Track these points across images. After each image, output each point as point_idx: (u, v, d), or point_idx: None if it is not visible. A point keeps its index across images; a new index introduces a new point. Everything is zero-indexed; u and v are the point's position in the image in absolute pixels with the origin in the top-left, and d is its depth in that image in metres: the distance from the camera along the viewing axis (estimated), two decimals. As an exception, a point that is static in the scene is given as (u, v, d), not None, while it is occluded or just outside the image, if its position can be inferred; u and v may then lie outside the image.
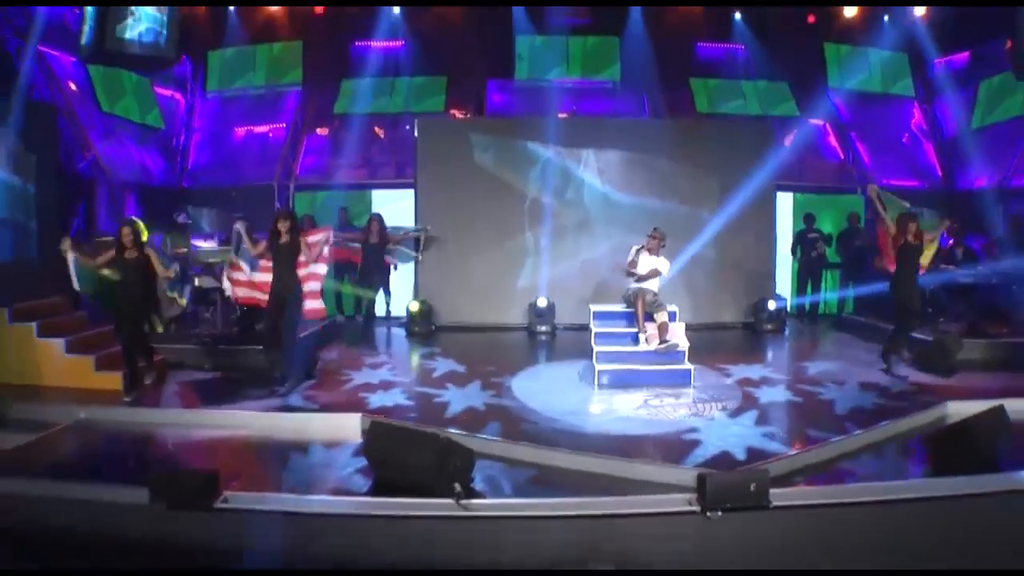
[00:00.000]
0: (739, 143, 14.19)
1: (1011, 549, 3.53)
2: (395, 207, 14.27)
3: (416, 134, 14.08)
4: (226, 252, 11.33)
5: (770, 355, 11.81)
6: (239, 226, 9.60)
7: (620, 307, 10.08)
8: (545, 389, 9.27)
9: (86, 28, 10.43)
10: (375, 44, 16.10)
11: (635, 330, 9.61)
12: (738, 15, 16.09)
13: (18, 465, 7.03)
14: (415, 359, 11.29)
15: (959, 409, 7.71)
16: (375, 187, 15.16)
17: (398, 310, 13.49)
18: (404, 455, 5.96)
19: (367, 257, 12.72)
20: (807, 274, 14.48)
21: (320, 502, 6.02)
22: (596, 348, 9.45)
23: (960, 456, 6.35)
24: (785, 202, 14.93)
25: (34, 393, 8.91)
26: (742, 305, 13.81)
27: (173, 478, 6.12)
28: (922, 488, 6.12)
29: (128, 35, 10.24)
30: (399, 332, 13.08)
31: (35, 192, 10.94)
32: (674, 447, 7.09)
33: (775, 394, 9.06)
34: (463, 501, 5.71)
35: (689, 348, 9.46)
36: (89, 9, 10.24)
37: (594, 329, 9.77)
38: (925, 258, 9.97)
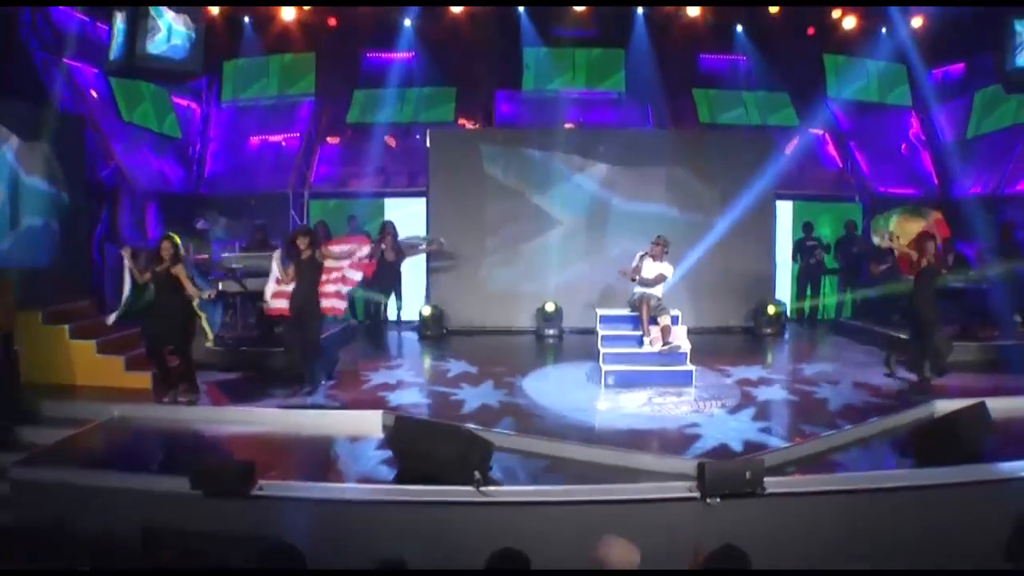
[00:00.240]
0: (740, 152, 14.57)
1: (987, 534, 3.95)
2: (406, 211, 14.70)
3: (428, 144, 14.48)
4: (248, 258, 11.78)
5: (769, 357, 12.23)
6: (276, 255, 9.88)
7: (625, 311, 10.46)
8: (554, 388, 9.72)
9: (115, 43, 10.68)
10: (386, 55, 16.42)
11: (640, 333, 10.00)
12: (739, 27, 16.32)
13: (60, 458, 7.46)
14: (429, 361, 11.74)
15: (946, 407, 8.05)
16: (388, 195, 15.47)
17: (409, 314, 13.83)
18: (428, 446, 6.44)
19: (380, 268, 12.73)
20: (806, 280, 14.86)
21: (349, 490, 6.50)
22: (603, 350, 9.89)
23: (943, 448, 6.81)
24: (785, 210, 15.29)
25: (67, 392, 9.25)
26: (743, 309, 14.12)
27: (212, 468, 6.58)
28: (906, 478, 6.62)
29: (156, 50, 10.51)
30: (411, 335, 13.46)
31: (69, 201, 11.47)
32: (676, 440, 7.59)
33: (772, 393, 9.52)
34: (483, 488, 6.20)
35: (691, 350, 9.89)
36: (119, 25, 10.59)
37: (601, 332, 10.21)
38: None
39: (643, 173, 14.30)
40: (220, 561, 5.43)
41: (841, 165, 16.72)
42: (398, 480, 6.64)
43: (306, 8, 15.43)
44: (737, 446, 7.28)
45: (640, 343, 9.99)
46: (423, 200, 14.64)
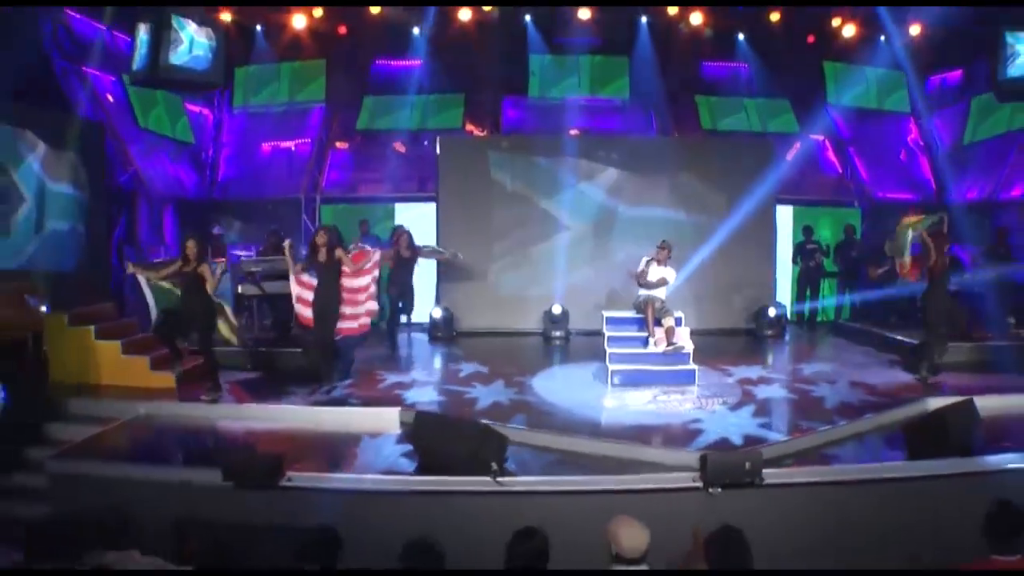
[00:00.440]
0: (742, 158, 14.95)
1: (973, 523, 4.29)
2: (416, 215, 15.04)
3: (438, 151, 14.85)
4: (264, 262, 12.13)
5: (769, 357, 12.57)
6: (285, 244, 10.29)
7: (631, 313, 10.82)
8: (563, 387, 10.12)
9: (139, 54, 10.99)
10: (395, 63, 16.69)
11: (645, 334, 10.37)
12: (741, 35, 16.47)
13: (92, 452, 7.79)
14: (441, 361, 12.11)
15: (938, 405, 8.28)
16: (398, 200, 15.76)
17: (419, 316, 13.99)
18: (447, 439, 6.84)
19: (397, 268, 12.79)
20: (806, 282, 15.13)
21: (373, 480, 6.87)
22: (609, 350, 10.27)
23: (933, 443, 7.19)
24: (785, 214, 15.60)
25: (93, 391, 9.57)
26: (744, 311, 14.46)
27: (243, 461, 6.92)
28: (896, 470, 7.00)
29: (179, 61, 10.85)
30: (422, 337, 13.81)
31: (91, 206, 11.85)
32: (680, 435, 7.99)
33: (772, 391, 9.90)
34: (499, 479, 6.59)
35: (694, 351, 10.26)
36: (142, 36, 10.92)
37: (607, 333, 10.58)
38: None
39: (647, 179, 14.66)
40: (249, 550, 5.73)
41: (841, 170, 16.96)
42: (419, 472, 7.01)
43: (317, 16, 15.61)
44: (737, 440, 7.68)
45: (645, 344, 10.35)
46: (432, 205, 14.98)
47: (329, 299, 9.60)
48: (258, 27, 16.12)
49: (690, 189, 14.74)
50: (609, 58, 16.84)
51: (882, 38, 16.06)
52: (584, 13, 15.60)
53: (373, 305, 10.24)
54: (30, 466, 8.00)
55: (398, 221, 14.87)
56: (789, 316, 15.20)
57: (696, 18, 15.69)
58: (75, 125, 11.71)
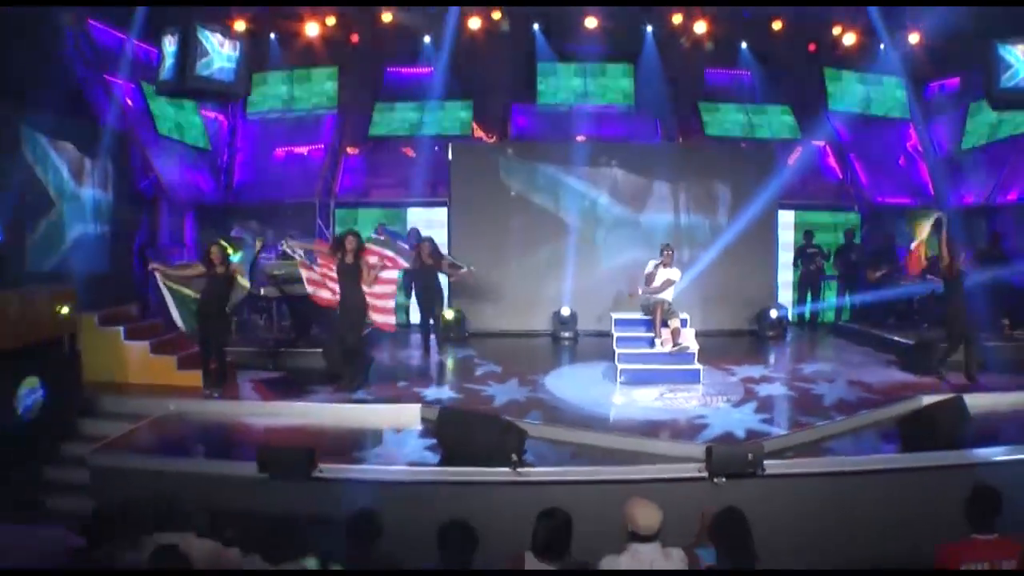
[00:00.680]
0: (744, 164, 15.40)
1: (957, 508, 4.71)
2: (428, 219, 15.45)
3: (449, 157, 15.26)
4: (285, 265, 12.48)
5: (771, 357, 12.95)
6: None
7: (638, 315, 11.26)
8: (574, 385, 10.54)
9: (166, 65, 11.37)
10: (406, 70, 17.07)
11: (652, 335, 10.82)
12: (744, 44, 16.78)
13: (129, 447, 8.19)
14: (456, 360, 12.49)
15: (931, 402, 8.68)
16: (410, 205, 16.11)
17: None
18: (470, 433, 7.30)
19: (420, 277, 12.71)
20: (807, 285, 15.45)
21: (401, 471, 7.33)
22: (618, 350, 10.72)
23: (924, 437, 7.65)
24: (787, 219, 15.97)
25: (124, 389, 9.96)
26: (747, 313, 14.82)
27: (277, 453, 7.32)
28: (888, 462, 7.51)
29: (205, 72, 11.24)
30: (434, 337, 14.15)
31: (116, 211, 12.28)
32: (686, 429, 8.48)
33: (773, 389, 10.35)
34: (519, 469, 7.06)
35: (699, 351, 10.70)
36: (169, 48, 11.33)
37: (616, 334, 11.03)
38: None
39: (652, 184, 15.08)
40: (283, 539, 6.08)
41: (841, 176, 17.24)
42: (443, 463, 7.47)
43: (329, 24, 15.85)
44: (741, 434, 8.16)
45: (652, 344, 10.80)
46: (444, 209, 15.40)
47: (354, 302, 9.91)
48: (272, 35, 16.37)
49: (694, 194, 15.15)
50: (615, 66, 17.11)
51: (881, 46, 16.25)
52: (591, 22, 15.90)
53: (390, 318, 10.51)
54: (67, 460, 8.45)
55: (410, 225, 15.25)
56: (790, 318, 15.53)
57: (700, 27, 15.94)
58: (102, 133, 12.17)
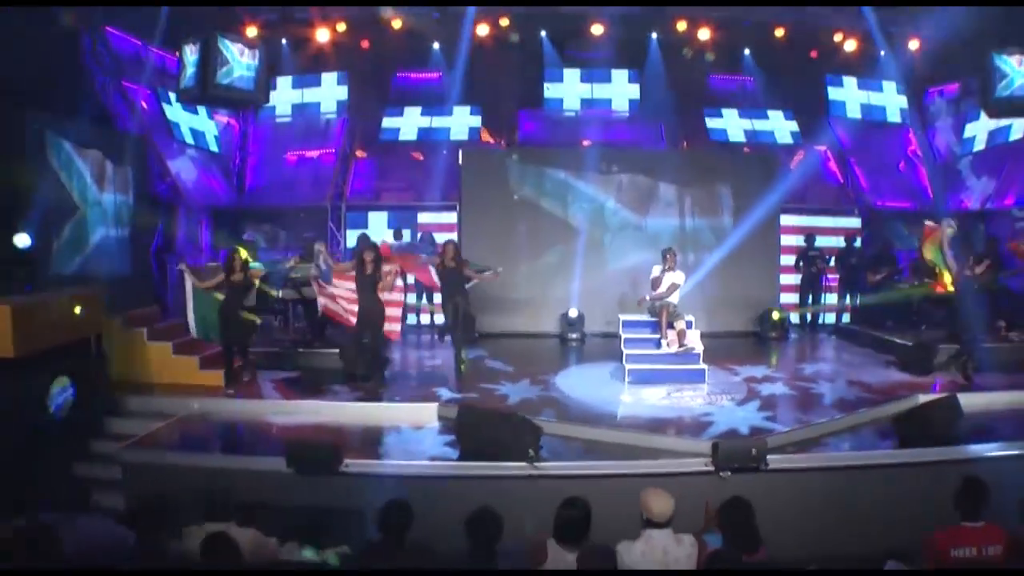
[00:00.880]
0: (747, 169, 15.70)
1: (950, 501, 5.04)
2: (438, 222, 15.81)
3: (460, 162, 15.56)
4: (306, 266, 12.80)
5: (773, 358, 13.20)
6: (319, 247, 11.07)
7: (645, 316, 11.59)
8: (584, 385, 10.89)
9: (187, 73, 11.71)
10: (415, 75, 17.38)
11: (658, 336, 11.14)
12: (747, 50, 17.02)
13: (158, 443, 8.50)
14: (468, 361, 12.70)
15: (927, 400, 9.04)
16: (420, 208, 16.37)
17: (440, 318, 14.43)
18: (488, 429, 7.67)
19: (445, 280, 12.20)
20: (808, 288, 15.63)
21: (423, 466, 7.69)
22: (625, 351, 11.06)
23: (918, 434, 8.02)
24: (789, 222, 16.16)
25: (148, 388, 10.24)
26: (750, 315, 15.10)
27: (304, 448, 7.64)
28: (884, 457, 7.88)
29: (225, 81, 11.59)
30: (446, 338, 14.44)
31: (135, 215, 12.59)
32: (692, 426, 8.85)
33: (775, 388, 10.69)
34: (536, 464, 7.42)
35: (703, 351, 11.02)
36: (190, 56, 11.68)
37: (623, 335, 11.36)
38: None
39: (658, 188, 15.36)
40: (311, 530, 6.36)
41: (842, 180, 17.45)
42: (462, 458, 7.82)
43: (340, 30, 16.09)
44: (745, 430, 8.54)
45: (658, 345, 11.11)
46: (454, 213, 15.72)
47: (373, 309, 10.21)
48: (283, 41, 16.58)
49: (698, 198, 15.42)
50: (621, 72, 17.42)
51: (882, 52, 16.33)
52: (597, 29, 16.14)
53: (396, 326, 10.81)
54: (96, 458, 8.76)
55: (419, 227, 15.66)
56: (792, 319, 15.72)
57: (704, 34, 16.18)
58: (121, 138, 12.50)
